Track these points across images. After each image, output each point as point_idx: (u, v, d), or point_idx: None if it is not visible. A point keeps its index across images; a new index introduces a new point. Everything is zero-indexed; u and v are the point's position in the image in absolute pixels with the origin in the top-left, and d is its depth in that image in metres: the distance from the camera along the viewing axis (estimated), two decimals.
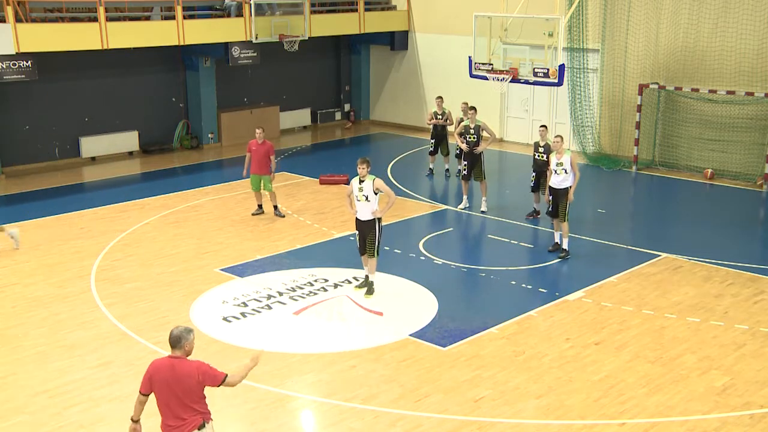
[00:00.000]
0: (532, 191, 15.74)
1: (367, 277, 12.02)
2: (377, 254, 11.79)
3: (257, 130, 15.84)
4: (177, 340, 6.43)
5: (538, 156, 15.25)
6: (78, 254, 13.93)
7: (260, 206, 16.18)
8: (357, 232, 11.84)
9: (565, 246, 13.66)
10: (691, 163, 19.65)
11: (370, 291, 11.94)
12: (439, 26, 24.71)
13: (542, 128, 15.29)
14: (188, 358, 6.50)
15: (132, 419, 6.72)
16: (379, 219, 11.63)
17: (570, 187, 13.37)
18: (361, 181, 11.44)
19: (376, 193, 11.42)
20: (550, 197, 13.64)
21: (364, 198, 11.44)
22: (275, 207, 16.06)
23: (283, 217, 15.94)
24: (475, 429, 8.44)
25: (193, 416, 6.45)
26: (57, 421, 8.63)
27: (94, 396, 9.15)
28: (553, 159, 13.41)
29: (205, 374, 6.43)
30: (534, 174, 15.51)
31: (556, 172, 13.38)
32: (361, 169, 11.40)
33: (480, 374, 9.59)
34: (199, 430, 6.48)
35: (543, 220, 15.61)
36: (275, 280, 12.61)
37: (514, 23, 16.72)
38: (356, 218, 11.74)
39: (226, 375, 6.53)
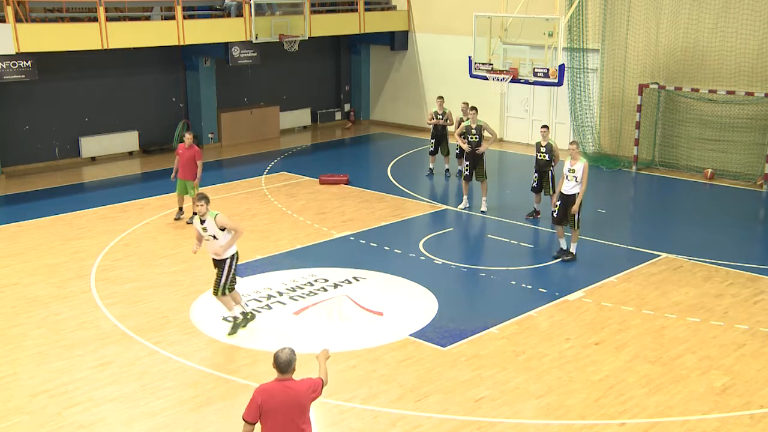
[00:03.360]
0: (534, 191, 15.70)
1: (236, 318, 10.78)
2: (222, 293, 10.48)
3: (187, 135, 15.54)
4: (288, 365, 6.24)
5: (540, 156, 15.24)
6: (78, 254, 13.93)
7: (181, 209, 15.81)
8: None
9: (573, 250, 13.56)
10: (691, 163, 19.65)
11: (233, 329, 10.69)
12: (439, 26, 24.72)
13: (544, 128, 15.26)
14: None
15: None
16: (232, 256, 10.44)
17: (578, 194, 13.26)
18: (202, 221, 10.27)
19: (222, 230, 10.23)
20: (558, 202, 13.44)
21: (212, 237, 10.27)
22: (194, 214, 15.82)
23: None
24: (475, 429, 8.44)
25: None
26: (57, 421, 8.64)
27: (94, 396, 9.15)
28: (567, 164, 13.31)
29: (315, 389, 6.36)
30: (536, 174, 15.49)
31: (567, 177, 13.25)
32: (199, 206, 10.19)
33: (480, 374, 9.59)
34: None
35: (543, 220, 15.62)
36: (275, 280, 12.62)
37: (514, 23, 16.72)
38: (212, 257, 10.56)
39: (321, 379, 6.50)
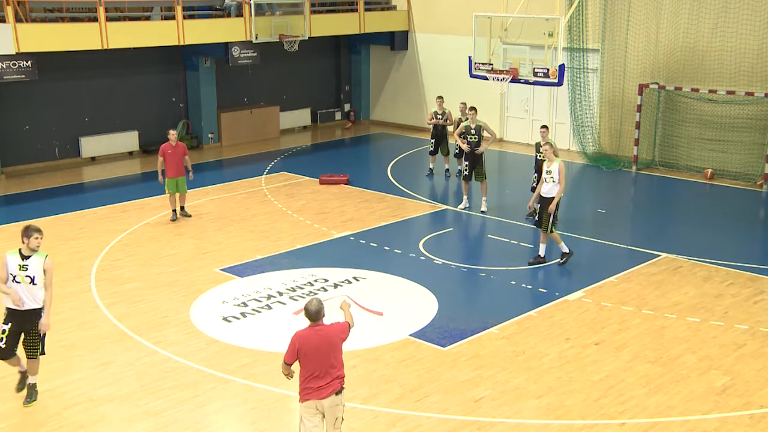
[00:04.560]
0: (534, 191, 15.64)
1: (23, 374, 9.08)
2: (41, 354, 8.92)
3: (172, 132, 15.46)
4: (317, 314, 7.15)
5: (540, 156, 15.11)
6: (78, 254, 13.93)
7: (174, 211, 15.76)
8: (7, 326, 8.68)
9: (541, 252, 13.31)
10: (691, 163, 19.65)
11: (30, 396, 8.95)
12: (439, 26, 24.72)
13: (543, 129, 15.16)
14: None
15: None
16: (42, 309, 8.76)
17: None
18: (26, 257, 8.58)
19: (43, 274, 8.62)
20: (537, 205, 13.25)
21: (29, 280, 8.54)
22: (182, 208, 15.85)
23: (190, 216, 15.80)
24: (475, 429, 8.44)
25: (336, 378, 7.20)
26: (57, 421, 8.63)
27: (94, 396, 9.15)
28: (545, 166, 13.13)
29: (344, 331, 7.31)
30: (536, 174, 15.46)
31: (545, 180, 13.07)
32: (39, 239, 8.62)
33: (480, 374, 9.59)
34: (337, 395, 7.20)
35: None
36: (275, 280, 12.62)
37: (514, 23, 16.73)
38: (8, 308, 8.64)
39: (348, 323, 7.43)
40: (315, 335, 7.12)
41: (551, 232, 13.15)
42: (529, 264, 13.33)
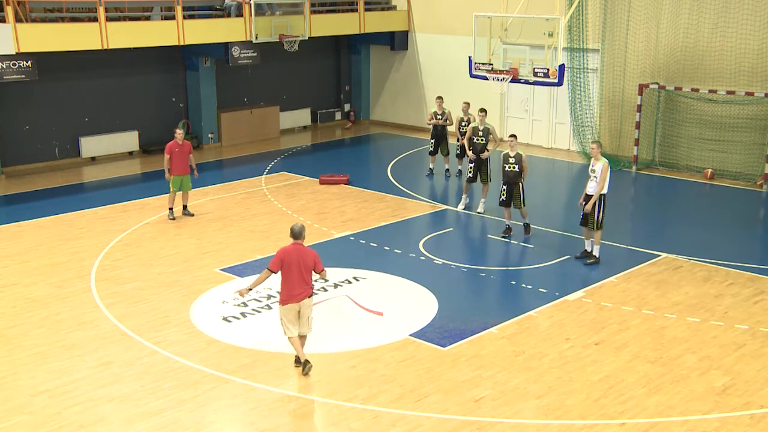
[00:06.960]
0: (503, 205, 14.72)
1: None
2: None
3: (179, 130, 15.67)
4: (299, 233, 9.34)
5: (509, 168, 14.38)
6: (78, 254, 13.93)
7: (172, 210, 15.79)
8: None
9: (595, 253, 13.34)
10: (691, 163, 19.66)
11: None
12: (439, 26, 24.72)
13: (512, 138, 14.52)
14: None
15: (249, 288, 9.47)
16: None
17: (602, 194, 13.05)
18: None
19: None
20: (584, 203, 13.23)
21: None
22: (185, 206, 15.95)
23: (192, 215, 15.89)
24: (475, 429, 8.44)
25: (309, 286, 9.41)
26: (57, 421, 8.63)
27: (94, 396, 9.15)
28: (590, 165, 13.24)
29: (317, 257, 9.43)
30: (504, 187, 14.54)
31: (590, 178, 13.17)
32: None
33: (480, 374, 9.59)
34: (309, 297, 9.43)
35: (542, 220, 15.60)
36: (275, 280, 12.58)
37: (514, 23, 16.72)
38: None
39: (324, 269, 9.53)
40: (295, 251, 9.26)
41: (598, 229, 13.18)
42: (576, 258, 13.39)
